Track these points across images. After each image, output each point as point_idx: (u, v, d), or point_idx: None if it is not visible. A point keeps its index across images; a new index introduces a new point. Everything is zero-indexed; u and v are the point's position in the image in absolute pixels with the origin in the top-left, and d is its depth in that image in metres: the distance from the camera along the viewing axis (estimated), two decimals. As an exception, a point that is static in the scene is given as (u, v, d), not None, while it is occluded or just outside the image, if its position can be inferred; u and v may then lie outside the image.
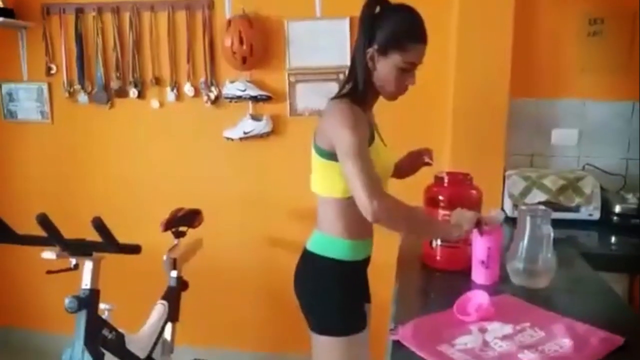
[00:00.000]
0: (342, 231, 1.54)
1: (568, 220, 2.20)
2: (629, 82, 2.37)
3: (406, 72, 1.49)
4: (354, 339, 1.55)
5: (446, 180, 1.64)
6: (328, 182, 1.52)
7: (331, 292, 1.57)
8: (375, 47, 1.46)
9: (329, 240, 1.57)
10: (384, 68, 1.48)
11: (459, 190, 1.60)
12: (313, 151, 1.54)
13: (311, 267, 1.61)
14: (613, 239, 2.16)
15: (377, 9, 1.48)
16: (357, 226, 1.54)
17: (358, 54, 1.49)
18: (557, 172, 2.31)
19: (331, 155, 1.46)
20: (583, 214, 2.24)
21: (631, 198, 2.24)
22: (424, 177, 1.75)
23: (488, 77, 2.24)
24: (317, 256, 1.58)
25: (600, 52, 2.38)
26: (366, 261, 1.67)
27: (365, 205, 1.33)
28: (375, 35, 1.45)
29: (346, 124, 1.40)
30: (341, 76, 2.53)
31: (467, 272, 1.52)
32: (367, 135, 1.45)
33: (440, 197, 1.58)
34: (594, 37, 2.37)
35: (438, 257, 1.60)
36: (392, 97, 1.55)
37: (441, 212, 1.57)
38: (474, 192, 1.60)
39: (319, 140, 1.51)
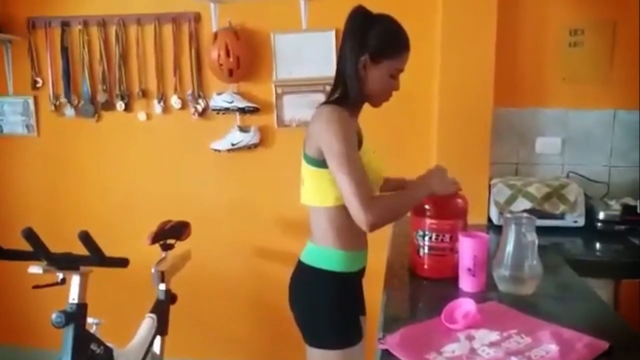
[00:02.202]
0: (335, 241, 1.53)
1: (553, 228, 2.23)
2: (609, 90, 2.42)
3: (393, 79, 1.54)
4: (349, 352, 1.54)
5: None
6: (319, 191, 1.52)
7: (326, 305, 1.56)
8: (368, 56, 1.49)
9: (322, 252, 1.55)
10: (375, 75, 1.51)
11: (444, 199, 1.60)
12: (303, 161, 1.54)
13: (305, 280, 1.60)
14: (598, 246, 2.19)
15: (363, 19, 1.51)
16: (350, 236, 1.54)
17: (348, 63, 1.50)
18: (541, 180, 2.34)
19: (320, 163, 1.46)
20: (568, 221, 2.27)
21: (614, 205, 2.28)
22: None
23: (472, 88, 2.27)
24: (311, 268, 1.57)
25: (581, 62, 2.42)
26: (361, 272, 1.66)
27: (360, 218, 1.36)
28: (367, 45, 1.48)
29: (334, 130, 1.41)
30: (327, 87, 2.54)
31: (454, 280, 1.54)
32: (356, 140, 1.46)
33: (427, 206, 1.59)
34: (574, 47, 2.42)
35: (426, 266, 1.61)
36: (378, 103, 1.58)
37: (428, 221, 1.58)
38: (459, 200, 1.62)
39: (308, 148, 1.51)
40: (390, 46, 1.51)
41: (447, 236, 1.57)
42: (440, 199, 1.58)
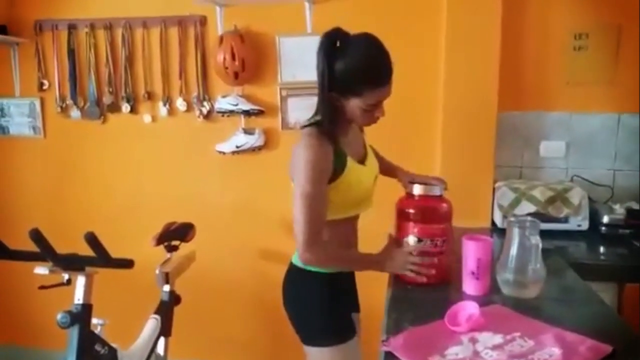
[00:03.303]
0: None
1: (557, 231, 2.23)
2: (614, 94, 2.42)
3: (372, 109, 1.48)
4: (345, 347, 1.58)
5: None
6: None
7: (316, 304, 1.60)
8: (335, 92, 1.44)
9: None
10: (348, 107, 1.48)
11: (429, 203, 1.59)
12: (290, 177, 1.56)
13: (297, 281, 1.64)
14: (601, 249, 2.19)
15: (338, 43, 1.43)
16: (339, 244, 1.59)
17: (320, 89, 1.45)
18: (545, 183, 2.34)
19: None
20: (572, 225, 2.28)
21: (618, 208, 2.27)
22: (395, 189, 1.74)
23: (476, 91, 2.28)
24: (301, 269, 1.60)
25: (585, 66, 2.42)
26: (350, 273, 1.71)
27: (299, 251, 1.46)
28: (335, 78, 1.42)
29: (305, 160, 1.43)
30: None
31: (442, 285, 1.55)
32: (328, 170, 1.46)
33: (411, 210, 1.58)
34: (579, 51, 2.42)
35: None
36: (362, 126, 1.59)
37: (412, 225, 1.56)
38: (444, 205, 1.60)
39: (290, 167, 1.53)
40: (357, 85, 1.43)
41: (437, 240, 1.55)
42: (424, 203, 1.58)
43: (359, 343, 1.72)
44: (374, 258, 1.57)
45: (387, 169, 1.84)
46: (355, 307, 1.80)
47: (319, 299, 1.60)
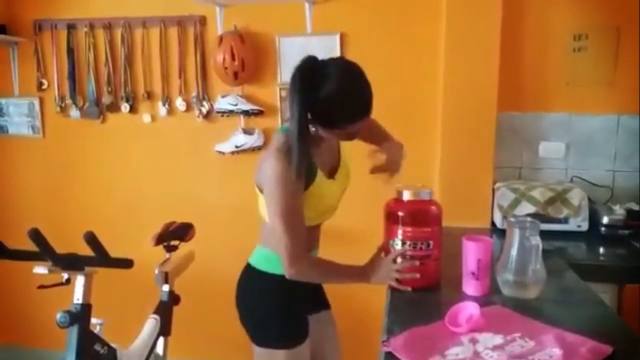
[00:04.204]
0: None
1: (557, 232, 2.23)
2: (613, 95, 2.42)
3: (349, 134, 1.45)
4: (295, 352, 1.59)
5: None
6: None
7: (272, 305, 1.61)
8: (312, 123, 1.39)
9: (271, 257, 1.58)
10: (324, 133, 1.43)
11: (418, 206, 1.56)
12: (254, 183, 1.55)
13: (253, 282, 1.66)
14: (601, 250, 2.19)
15: (312, 75, 1.36)
16: None
17: (292, 117, 1.37)
18: (545, 184, 2.34)
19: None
20: (571, 226, 2.28)
21: (618, 209, 2.28)
22: (384, 191, 1.68)
23: (476, 92, 2.28)
24: (260, 272, 1.62)
25: (585, 67, 2.43)
26: None
27: (285, 267, 1.45)
28: (312, 112, 1.36)
29: (277, 180, 1.41)
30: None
31: (432, 289, 1.54)
32: (300, 187, 1.43)
33: (400, 213, 1.54)
34: (578, 52, 2.42)
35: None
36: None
37: (400, 228, 1.53)
38: (433, 207, 1.57)
39: (257, 177, 1.51)
40: (338, 120, 1.37)
41: (425, 244, 1.53)
42: (414, 206, 1.56)
43: (335, 337, 1.74)
44: (359, 270, 1.56)
45: (378, 140, 1.76)
46: (319, 306, 1.79)
47: (273, 301, 1.60)
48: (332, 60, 1.41)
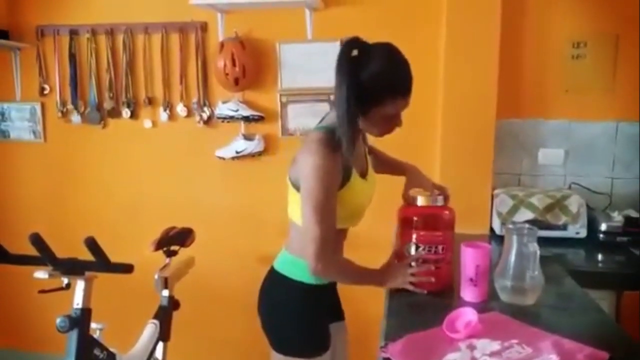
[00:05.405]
0: None
1: (555, 239, 2.24)
2: (612, 102, 2.44)
3: (390, 120, 1.46)
4: None
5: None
6: (299, 210, 1.49)
7: (295, 312, 1.58)
8: (355, 101, 1.38)
9: (295, 262, 1.56)
10: (365, 118, 1.43)
11: (432, 211, 1.59)
12: (287, 179, 1.54)
13: (277, 287, 1.62)
14: (600, 257, 2.20)
15: (355, 52, 1.39)
16: None
17: (338, 101, 1.39)
18: (544, 191, 2.35)
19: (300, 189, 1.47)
20: (570, 232, 2.28)
21: (617, 216, 2.28)
22: (397, 196, 1.72)
23: (475, 99, 2.29)
24: (284, 277, 1.59)
25: (583, 74, 2.44)
26: (333, 283, 1.70)
27: (310, 263, 1.42)
28: (356, 89, 1.36)
29: (314, 169, 1.39)
30: (332, 97, 2.57)
31: (446, 292, 1.55)
32: (337, 181, 1.43)
33: (415, 218, 1.57)
34: (577, 59, 2.43)
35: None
36: (377, 137, 1.54)
37: (415, 233, 1.56)
38: (446, 212, 1.60)
39: (293, 172, 1.51)
40: (379, 95, 1.39)
41: (439, 248, 1.55)
42: (427, 211, 1.58)
43: (347, 349, 1.73)
44: (376, 274, 1.56)
45: (392, 167, 1.81)
46: (337, 316, 1.78)
47: (298, 309, 1.58)
48: (375, 43, 1.44)
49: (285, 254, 1.63)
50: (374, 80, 1.38)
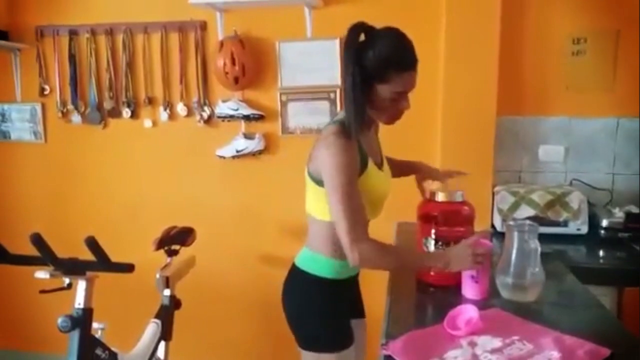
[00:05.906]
0: (331, 252, 1.54)
1: (556, 235, 2.24)
2: (612, 98, 2.43)
3: (398, 99, 1.47)
4: (341, 355, 1.56)
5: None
6: (321, 206, 1.51)
7: (317, 308, 1.59)
8: (361, 79, 1.41)
9: (316, 258, 1.58)
10: (373, 99, 1.46)
11: (451, 207, 1.61)
12: (306, 174, 1.55)
13: (298, 283, 1.62)
14: (601, 253, 2.20)
15: (362, 37, 1.44)
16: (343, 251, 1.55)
17: (345, 84, 1.44)
18: (544, 187, 2.35)
19: (321, 182, 1.47)
20: (571, 229, 2.28)
21: (618, 212, 2.28)
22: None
23: (475, 96, 2.29)
24: (304, 273, 1.59)
25: (584, 71, 2.44)
26: (353, 278, 1.69)
27: (347, 252, 1.38)
28: (360, 67, 1.41)
29: (335, 161, 1.40)
30: (332, 95, 2.58)
31: (458, 287, 1.54)
32: (356, 169, 1.44)
33: (434, 214, 1.60)
34: (577, 56, 2.43)
35: (432, 272, 1.61)
36: (387, 123, 1.55)
37: (434, 228, 1.58)
38: (466, 208, 1.62)
39: (312, 167, 1.51)
40: (384, 70, 1.42)
41: (457, 243, 1.54)
42: (447, 207, 1.60)
43: (365, 347, 1.73)
44: (435, 255, 1.54)
45: (402, 168, 1.84)
46: (359, 313, 1.78)
47: (320, 304, 1.59)
48: (381, 27, 1.48)
49: (305, 250, 1.63)
50: (379, 57, 1.41)
